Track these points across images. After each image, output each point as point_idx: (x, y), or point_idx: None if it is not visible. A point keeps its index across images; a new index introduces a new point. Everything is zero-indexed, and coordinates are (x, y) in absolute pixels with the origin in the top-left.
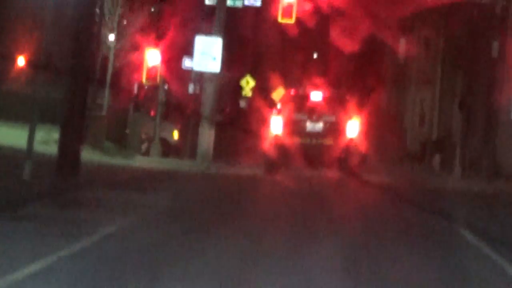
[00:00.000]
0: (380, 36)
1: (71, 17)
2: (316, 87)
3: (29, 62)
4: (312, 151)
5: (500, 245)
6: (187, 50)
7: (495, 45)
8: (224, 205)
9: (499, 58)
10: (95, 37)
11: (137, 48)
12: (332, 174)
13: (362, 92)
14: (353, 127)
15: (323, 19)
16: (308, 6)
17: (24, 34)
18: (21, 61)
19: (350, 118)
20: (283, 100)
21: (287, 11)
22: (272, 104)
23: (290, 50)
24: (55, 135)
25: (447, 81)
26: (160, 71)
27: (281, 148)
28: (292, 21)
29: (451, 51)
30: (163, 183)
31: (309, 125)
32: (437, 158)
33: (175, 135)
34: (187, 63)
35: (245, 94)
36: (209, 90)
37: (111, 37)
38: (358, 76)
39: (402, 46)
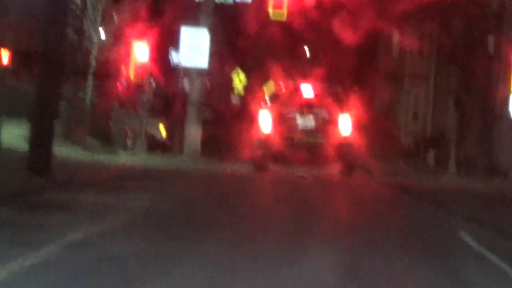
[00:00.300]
0: (373, 30)
1: (44, 3)
2: (307, 81)
3: (11, 56)
4: (303, 147)
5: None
6: (175, 44)
7: (492, 41)
8: (209, 208)
9: (495, 54)
10: (69, 26)
11: (122, 42)
12: (324, 172)
13: (356, 87)
14: (346, 123)
15: (316, 13)
16: None
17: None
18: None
19: (343, 113)
20: (272, 94)
21: (278, 2)
22: (261, 98)
23: (282, 44)
24: None
25: (442, 77)
26: (148, 67)
27: (270, 145)
28: (283, 16)
29: (446, 47)
30: (145, 182)
31: (300, 121)
32: (431, 155)
33: (162, 130)
34: (175, 58)
35: (238, 93)
36: (196, 85)
37: (95, 30)
38: (351, 70)
39: (396, 41)
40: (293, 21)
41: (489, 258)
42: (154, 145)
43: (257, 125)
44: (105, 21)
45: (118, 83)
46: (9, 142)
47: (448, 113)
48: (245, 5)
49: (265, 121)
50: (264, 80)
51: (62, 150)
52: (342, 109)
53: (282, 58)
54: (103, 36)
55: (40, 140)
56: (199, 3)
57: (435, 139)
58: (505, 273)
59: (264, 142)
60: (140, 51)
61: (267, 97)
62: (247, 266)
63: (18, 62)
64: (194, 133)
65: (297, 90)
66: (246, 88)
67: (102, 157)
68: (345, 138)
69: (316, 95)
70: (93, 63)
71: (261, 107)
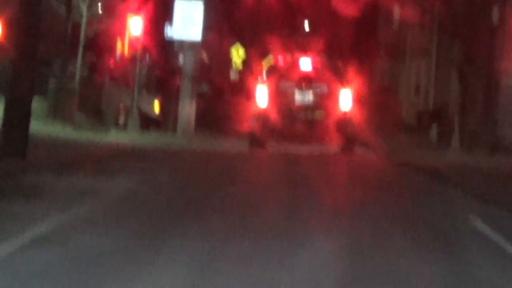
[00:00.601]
0: (373, 2)
1: None
2: (306, 55)
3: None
4: (301, 123)
5: None
6: (170, 18)
7: (495, 11)
8: (201, 191)
9: (499, 25)
10: None
11: (113, 14)
12: (324, 148)
13: (356, 60)
14: (347, 98)
15: None
16: None
17: None
18: None
19: (343, 88)
20: (270, 69)
21: None
22: (259, 73)
23: (281, 17)
24: None
25: (444, 50)
26: (142, 41)
27: (267, 121)
28: None
29: (448, 18)
30: (133, 162)
31: (298, 95)
32: (434, 130)
33: (156, 107)
34: (169, 32)
35: (236, 67)
36: (189, 59)
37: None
38: (351, 44)
39: (397, 14)
40: None
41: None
42: (147, 122)
43: (254, 101)
44: None
45: (109, 58)
46: None
47: (450, 87)
48: None
49: (262, 97)
50: (262, 54)
51: (48, 128)
52: (342, 84)
53: (280, 31)
54: (92, 8)
55: (15, 118)
56: None
57: (437, 113)
58: None
59: (261, 119)
60: (134, 24)
61: (264, 72)
62: (235, 266)
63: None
64: (188, 109)
65: (295, 64)
66: (244, 62)
67: (91, 136)
68: (345, 113)
69: (315, 69)
70: (82, 36)
71: (258, 82)
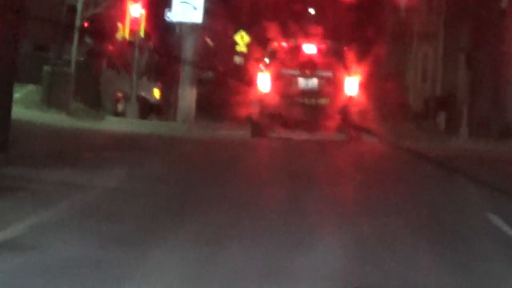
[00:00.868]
0: None
1: None
2: (310, 39)
3: None
4: (305, 110)
5: None
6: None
7: None
8: (196, 186)
9: (508, 8)
10: None
11: None
12: (329, 136)
13: (361, 45)
14: (352, 85)
15: None
16: None
17: None
18: None
19: (348, 73)
20: (273, 54)
21: None
22: (261, 59)
23: (285, 1)
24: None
25: (452, 35)
26: (143, 24)
27: (269, 108)
28: None
29: (456, 1)
30: (127, 152)
31: (302, 82)
32: (441, 116)
33: (156, 93)
34: (169, 15)
35: (240, 50)
36: (189, 44)
37: None
38: (356, 28)
39: None
40: None
41: None
42: (147, 109)
43: (256, 88)
44: None
45: (108, 43)
46: None
47: (458, 73)
48: None
49: (264, 83)
50: (266, 40)
51: (42, 116)
52: (347, 70)
53: (284, 16)
54: None
55: None
56: None
57: (445, 99)
58: None
59: (263, 106)
60: (134, 9)
61: (267, 58)
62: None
63: None
64: (188, 96)
65: (299, 49)
66: (248, 48)
67: (87, 124)
68: (350, 100)
69: (319, 55)
70: (78, 20)
71: (261, 69)
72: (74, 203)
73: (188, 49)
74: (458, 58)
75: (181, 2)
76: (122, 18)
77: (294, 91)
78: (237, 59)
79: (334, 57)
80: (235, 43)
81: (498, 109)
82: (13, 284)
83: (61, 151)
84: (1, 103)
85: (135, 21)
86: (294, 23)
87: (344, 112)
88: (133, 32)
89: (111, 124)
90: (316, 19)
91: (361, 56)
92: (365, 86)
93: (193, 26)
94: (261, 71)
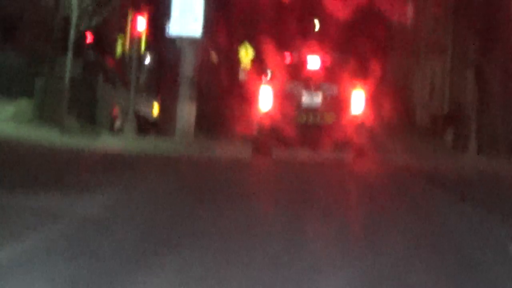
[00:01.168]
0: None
1: None
2: (315, 52)
3: None
4: (309, 128)
5: None
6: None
7: None
8: (186, 214)
9: None
10: None
11: (109, 7)
12: (334, 155)
13: (367, 59)
14: (359, 100)
15: None
16: None
17: None
18: None
19: (355, 89)
20: (275, 68)
21: None
22: (263, 72)
23: (289, 13)
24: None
25: (460, 48)
26: (141, 38)
27: (271, 125)
28: None
29: (464, 13)
30: (116, 173)
31: (306, 97)
32: (449, 133)
33: (155, 109)
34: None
35: (244, 67)
36: (188, 57)
37: None
38: (362, 41)
39: (410, 10)
40: None
41: None
42: (146, 126)
43: (258, 103)
44: None
45: (105, 56)
46: None
47: (467, 87)
48: None
49: (266, 99)
50: (268, 52)
51: (34, 133)
52: (354, 84)
53: (288, 28)
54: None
55: None
56: None
57: (453, 115)
58: None
59: (265, 123)
60: (136, 22)
61: (269, 71)
62: None
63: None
64: (187, 112)
65: (303, 62)
66: (252, 61)
67: (81, 141)
68: (357, 116)
69: (324, 68)
70: (72, 32)
71: (262, 83)
72: (45, 236)
73: (187, 63)
74: (466, 73)
75: (180, 14)
76: (120, 31)
77: (298, 107)
78: (241, 74)
79: (340, 71)
80: (239, 58)
81: (508, 126)
82: None
83: (47, 172)
84: None
85: (137, 34)
86: (299, 36)
87: (350, 129)
88: (134, 45)
89: (107, 142)
90: (321, 31)
91: (367, 70)
92: (372, 101)
93: (193, 40)
94: (262, 85)
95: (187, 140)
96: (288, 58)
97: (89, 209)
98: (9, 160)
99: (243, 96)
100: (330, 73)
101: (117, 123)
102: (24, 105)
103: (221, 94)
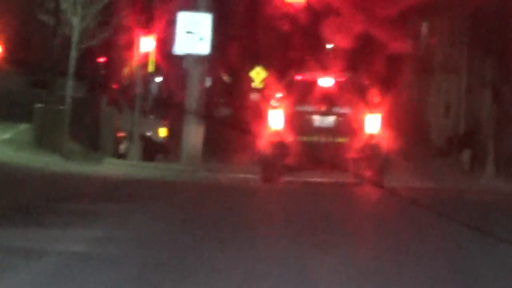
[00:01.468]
0: (400, 18)
1: None
2: (327, 72)
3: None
4: (321, 152)
5: None
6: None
7: None
8: (184, 252)
9: None
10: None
11: (111, 27)
12: (348, 181)
13: (381, 79)
14: (374, 121)
15: None
16: None
17: None
18: None
19: (369, 109)
20: (286, 89)
21: None
22: (273, 94)
23: (300, 32)
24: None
25: (476, 68)
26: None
27: (282, 149)
28: None
29: (479, 33)
30: (114, 203)
31: (318, 119)
32: (466, 154)
33: (163, 132)
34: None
35: (256, 86)
36: (195, 77)
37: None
38: (375, 61)
39: (425, 29)
40: (312, 8)
41: None
42: (152, 150)
43: (267, 126)
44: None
45: (109, 77)
46: None
47: (483, 107)
48: None
49: (276, 121)
50: (280, 73)
51: (32, 159)
52: (367, 105)
53: (300, 48)
54: (86, 21)
55: None
56: None
57: (469, 136)
58: None
59: (275, 146)
60: (145, 41)
61: (279, 93)
62: None
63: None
64: (194, 135)
65: (315, 83)
66: (264, 83)
67: (81, 167)
68: (371, 139)
69: (337, 89)
70: (73, 53)
71: (271, 106)
72: (21, 278)
73: (193, 83)
74: (482, 92)
75: (187, 32)
76: (129, 51)
77: (309, 129)
78: (253, 96)
79: (353, 92)
80: (251, 79)
81: None
82: None
83: (36, 203)
84: None
85: (144, 55)
86: (311, 56)
87: (365, 153)
88: (141, 66)
89: (110, 168)
90: (334, 52)
91: (381, 90)
92: (386, 122)
93: (199, 59)
94: (273, 107)
95: (193, 165)
96: (299, 78)
97: (77, 245)
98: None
99: (254, 118)
100: (343, 94)
101: (122, 148)
102: (24, 129)
103: (231, 115)
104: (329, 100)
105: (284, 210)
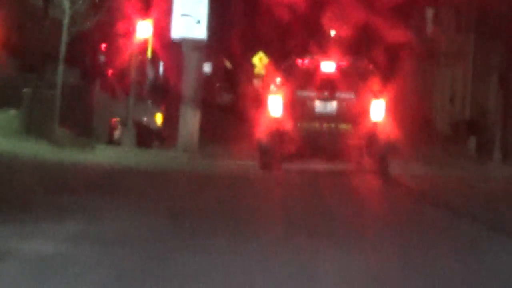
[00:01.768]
0: (405, 4)
1: None
2: (329, 58)
3: None
4: (323, 139)
5: None
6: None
7: None
8: (166, 253)
9: None
10: None
11: (104, 10)
12: (350, 169)
13: (385, 64)
14: (378, 107)
15: None
16: None
17: None
18: None
19: (373, 95)
20: (286, 74)
21: None
22: (273, 79)
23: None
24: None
25: (482, 54)
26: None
27: (281, 136)
28: None
29: (486, 19)
30: (97, 195)
31: (319, 105)
32: (472, 141)
33: (159, 119)
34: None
35: (258, 72)
36: (192, 62)
37: None
38: (379, 46)
39: (430, 14)
40: None
41: None
42: (148, 136)
43: (266, 112)
44: None
45: (102, 63)
46: None
47: (490, 93)
48: None
49: (275, 107)
50: (281, 58)
51: (18, 146)
52: (371, 91)
53: (302, 31)
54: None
55: None
56: None
57: (475, 122)
58: None
59: (274, 133)
60: (142, 25)
61: (278, 77)
62: None
63: None
64: (190, 122)
65: (316, 67)
66: (266, 68)
67: (71, 155)
68: (376, 126)
69: (339, 74)
70: (64, 37)
71: (271, 91)
72: None
73: (190, 69)
74: (489, 78)
75: (182, 15)
76: (124, 35)
77: (310, 116)
78: (256, 82)
79: (357, 77)
80: (252, 65)
81: None
82: None
83: (13, 194)
84: None
85: (141, 40)
86: (313, 40)
87: (369, 140)
88: (138, 52)
89: (101, 155)
90: (337, 37)
91: (386, 75)
92: (390, 108)
93: (196, 43)
94: (272, 93)
95: (190, 153)
96: (300, 62)
97: (46, 244)
98: None
99: (255, 104)
100: (346, 78)
101: (116, 134)
102: (13, 116)
103: (232, 102)
104: (331, 85)
105: (281, 204)
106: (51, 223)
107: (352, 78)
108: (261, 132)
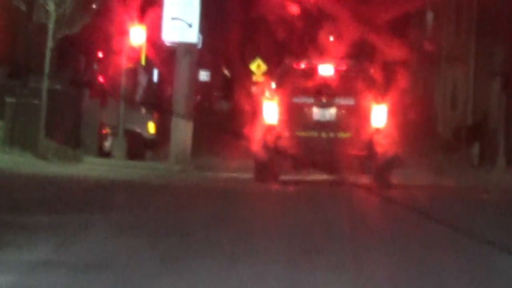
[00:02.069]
0: (405, 3)
1: None
2: (328, 61)
3: None
4: (321, 148)
5: None
6: None
7: None
8: (144, 280)
9: None
10: None
11: (91, 12)
12: (350, 180)
13: (385, 68)
14: (379, 113)
15: None
16: None
17: None
18: None
19: (374, 102)
20: (283, 80)
21: None
22: (269, 85)
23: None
24: None
25: (484, 56)
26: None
27: (277, 144)
28: None
29: (487, 20)
30: (76, 212)
31: (317, 112)
32: (475, 147)
33: (151, 128)
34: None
35: (257, 79)
36: (184, 68)
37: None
38: (379, 49)
39: (431, 17)
40: None
41: None
42: (141, 146)
43: (261, 120)
44: None
45: (91, 69)
46: None
47: (492, 98)
48: None
49: (270, 115)
50: (278, 63)
51: (2, 159)
52: (373, 97)
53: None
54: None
55: None
56: None
57: (478, 128)
58: None
59: (270, 142)
60: (135, 31)
61: (274, 83)
62: None
63: None
64: (183, 132)
65: (314, 71)
66: (264, 75)
67: (54, 168)
68: (377, 133)
69: (338, 78)
70: (49, 41)
71: (266, 97)
72: None
73: (182, 74)
74: (491, 82)
75: (173, 19)
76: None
77: (308, 123)
78: (254, 89)
79: (357, 81)
80: (252, 73)
81: None
82: None
83: None
84: None
85: (133, 46)
86: (311, 43)
87: (370, 149)
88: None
89: (89, 168)
90: (336, 40)
91: (386, 80)
92: (392, 115)
93: (188, 47)
94: (267, 99)
95: (182, 163)
96: (297, 66)
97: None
98: None
99: (252, 112)
100: (345, 83)
101: (107, 144)
102: None
103: (230, 109)
104: (330, 91)
105: (276, 219)
106: (16, 247)
107: (352, 82)
108: (256, 142)
